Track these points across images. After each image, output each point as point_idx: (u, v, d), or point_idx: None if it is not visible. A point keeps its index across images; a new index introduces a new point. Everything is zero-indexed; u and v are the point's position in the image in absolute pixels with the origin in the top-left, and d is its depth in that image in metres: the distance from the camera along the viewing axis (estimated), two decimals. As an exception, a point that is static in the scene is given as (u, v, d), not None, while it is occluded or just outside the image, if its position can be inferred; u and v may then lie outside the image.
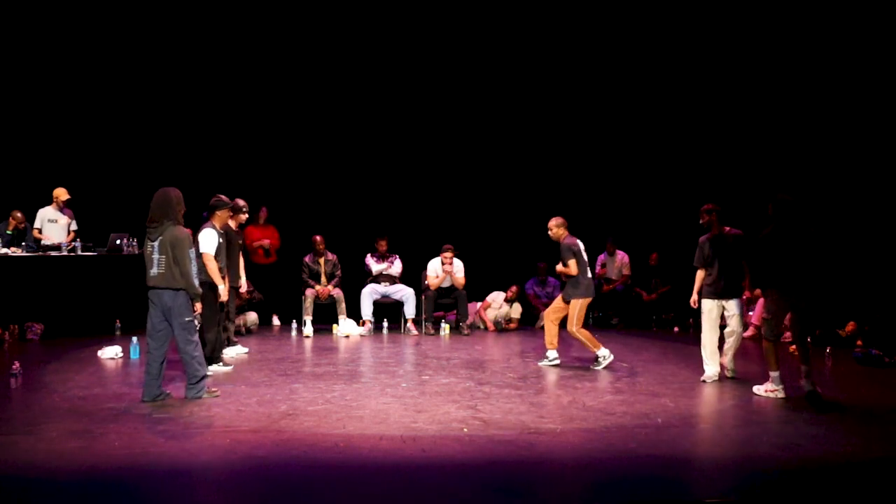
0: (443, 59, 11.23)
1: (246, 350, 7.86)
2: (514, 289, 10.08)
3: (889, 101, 9.97)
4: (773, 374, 6.10)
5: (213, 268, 6.39)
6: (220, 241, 6.52)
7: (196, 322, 5.58)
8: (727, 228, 6.75)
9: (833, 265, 9.82)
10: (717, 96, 10.94)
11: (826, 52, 10.29)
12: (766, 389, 6.10)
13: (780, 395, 6.03)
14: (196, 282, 5.41)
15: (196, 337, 5.52)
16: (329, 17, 10.98)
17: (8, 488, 3.76)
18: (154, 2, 10.54)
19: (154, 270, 5.33)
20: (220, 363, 6.78)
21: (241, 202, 7.46)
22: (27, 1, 10.18)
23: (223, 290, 6.55)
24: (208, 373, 6.01)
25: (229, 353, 7.43)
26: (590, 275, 7.22)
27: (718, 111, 10.98)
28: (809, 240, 6.01)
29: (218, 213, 6.64)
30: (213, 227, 6.52)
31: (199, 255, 6.29)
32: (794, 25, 10.40)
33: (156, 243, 5.31)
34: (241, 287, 7.67)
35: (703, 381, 6.61)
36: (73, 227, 9.49)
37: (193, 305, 5.44)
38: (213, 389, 5.70)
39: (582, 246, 7.23)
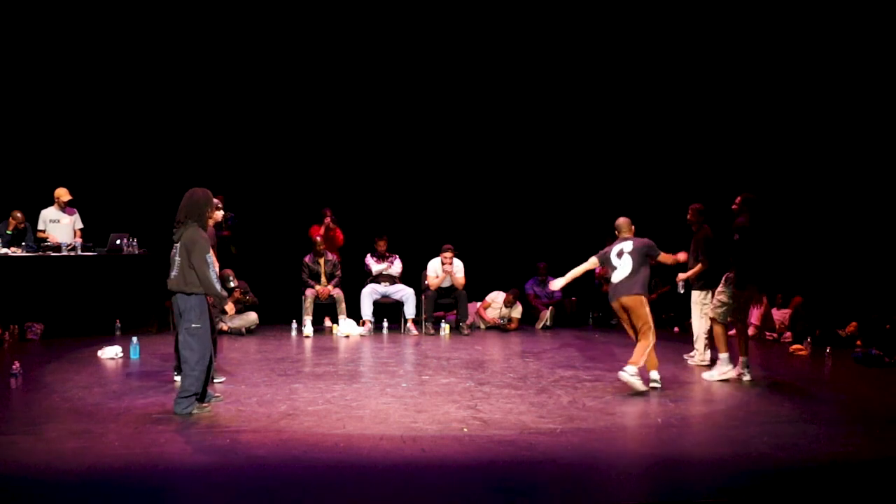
0: (443, 59, 11.23)
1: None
2: (511, 295, 10.00)
3: (890, 104, 9.98)
4: (723, 355, 6.59)
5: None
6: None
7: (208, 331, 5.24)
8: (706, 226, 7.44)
9: (827, 263, 9.92)
10: (716, 96, 10.94)
11: (825, 51, 10.30)
12: (720, 373, 6.57)
13: (732, 375, 6.55)
14: (218, 286, 5.08)
15: (202, 348, 5.09)
16: (331, 17, 10.97)
17: (8, 488, 3.76)
18: (156, 1, 10.55)
19: (172, 273, 5.12)
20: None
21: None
22: (27, 1, 10.17)
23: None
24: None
25: None
26: (612, 276, 6.50)
27: (717, 111, 10.97)
28: (774, 233, 6.63)
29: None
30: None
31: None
32: (789, 27, 10.41)
33: (177, 245, 5.12)
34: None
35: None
36: (79, 224, 9.48)
37: (224, 311, 5.09)
38: (205, 406, 5.29)
39: (610, 250, 6.55)
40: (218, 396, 5.58)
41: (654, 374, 6.13)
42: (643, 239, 6.42)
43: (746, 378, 6.58)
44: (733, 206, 6.77)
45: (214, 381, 6.05)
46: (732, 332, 6.92)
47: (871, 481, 4.13)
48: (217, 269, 5.28)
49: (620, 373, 5.97)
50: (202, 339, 5.11)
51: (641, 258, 6.30)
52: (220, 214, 6.77)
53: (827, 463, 4.31)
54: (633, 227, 6.54)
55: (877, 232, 9.94)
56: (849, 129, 10.34)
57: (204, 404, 5.28)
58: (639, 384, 5.92)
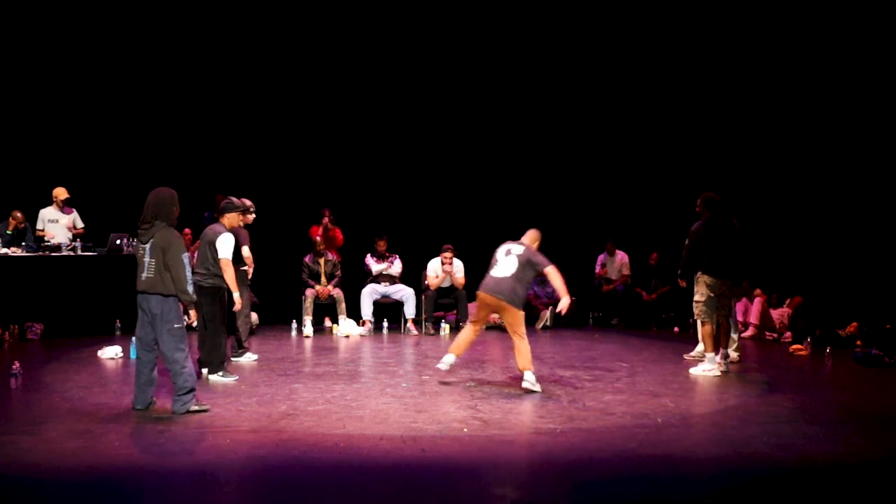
0: (442, 59, 11.22)
1: (256, 357, 7.48)
2: None
3: (889, 104, 9.99)
4: (709, 354, 6.88)
5: (231, 274, 6.21)
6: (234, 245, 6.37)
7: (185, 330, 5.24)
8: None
9: (828, 263, 9.94)
10: (717, 95, 10.94)
11: (827, 51, 10.31)
12: (704, 370, 6.85)
13: (717, 372, 6.82)
14: (190, 288, 5.05)
15: (185, 346, 5.13)
16: (331, 17, 10.97)
17: (8, 488, 3.76)
18: (156, 1, 10.55)
19: (144, 274, 5.04)
20: (223, 373, 6.40)
21: (248, 202, 7.33)
22: (27, 1, 10.17)
23: (237, 297, 6.35)
24: (224, 379, 6.24)
25: (243, 360, 7.29)
26: (492, 272, 6.23)
27: (717, 110, 10.98)
28: (735, 231, 6.95)
29: (228, 215, 6.49)
30: (226, 230, 6.33)
31: (216, 260, 6.18)
32: (790, 24, 10.42)
33: (147, 246, 5.04)
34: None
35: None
36: (80, 224, 9.48)
37: (187, 314, 5.13)
38: (203, 403, 5.26)
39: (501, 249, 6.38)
40: (205, 406, 5.29)
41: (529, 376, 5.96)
42: (535, 251, 6.22)
43: (722, 369, 6.92)
44: (697, 209, 7.24)
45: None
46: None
47: (871, 481, 4.13)
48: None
49: (523, 383, 5.95)
50: (184, 336, 5.14)
51: (524, 266, 6.05)
52: (251, 217, 7.23)
53: (827, 463, 4.31)
54: (536, 243, 6.33)
55: (877, 232, 9.95)
56: (849, 130, 10.35)
57: (203, 403, 5.27)
58: (537, 387, 5.91)
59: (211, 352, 6.32)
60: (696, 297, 7.04)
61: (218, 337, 6.35)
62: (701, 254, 6.97)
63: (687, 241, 7.19)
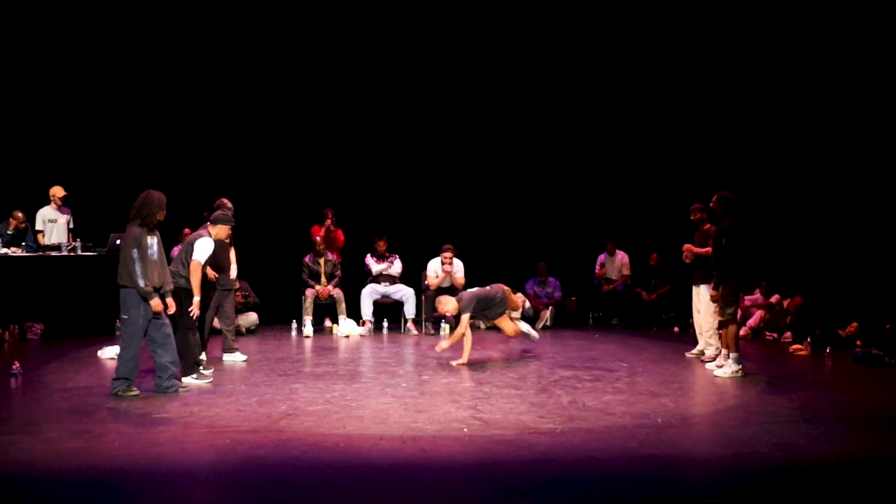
0: (442, 59, 11.23)
1: (245, 357, 7.45)
2: None
3: (890, 104, 9.98)
4: (734, 355, 6.78)
5: (198, 277, 6.16)
6: (213, 252, 6.38)
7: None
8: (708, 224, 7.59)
9: (831, 264, 9.94)
10: (716, 95, 10.94)
11: (828, 51, 10.31)
12: (734, 370, 6.72)
13: (741, 374, 6.72)
14: (141, 282, 5.47)
15: (129, 339, 5.56)
16: (331, 17, 10.98)
17: (8, 488, 3.76)
18: (156, 1, 10.55)
19: None
20: (194, 376, 6.25)
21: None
22: (27, 1, 10.18)
23: (197, 301, 6.20)
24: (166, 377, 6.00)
25: (228, 359, 7.31)
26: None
27: (717, 110, 10.98)
28: (752, 231, 6.90)
29: (220, 225, 6.49)
30: (210, 237, 6.32)
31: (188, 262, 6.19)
32: (789, 24, 10.43)
33: None
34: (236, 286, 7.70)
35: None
36: (70, 225, 9.48)
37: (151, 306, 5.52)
38: (134, 389, 5.64)
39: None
40: (184, 387, 5.86)
41: None
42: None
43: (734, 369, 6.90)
44: (710, 205, 7.11)
45: (202, 370, 6.41)
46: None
47: (871, 481, 4.13)
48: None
49: None
50: (130, 330, 5.58)
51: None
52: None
53: (827, 463, 4.31)
54: None
55: (877, 232, 9.94)
56: (849, 129, 10.34)
57: (133, 389, 5.64)
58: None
59: (181, 353, 6.09)
60: (725, 300, 6.83)
61: (186, 338, 6.22)
62: (736, 259, 6.72)
63: (724, 241, 6.77)
